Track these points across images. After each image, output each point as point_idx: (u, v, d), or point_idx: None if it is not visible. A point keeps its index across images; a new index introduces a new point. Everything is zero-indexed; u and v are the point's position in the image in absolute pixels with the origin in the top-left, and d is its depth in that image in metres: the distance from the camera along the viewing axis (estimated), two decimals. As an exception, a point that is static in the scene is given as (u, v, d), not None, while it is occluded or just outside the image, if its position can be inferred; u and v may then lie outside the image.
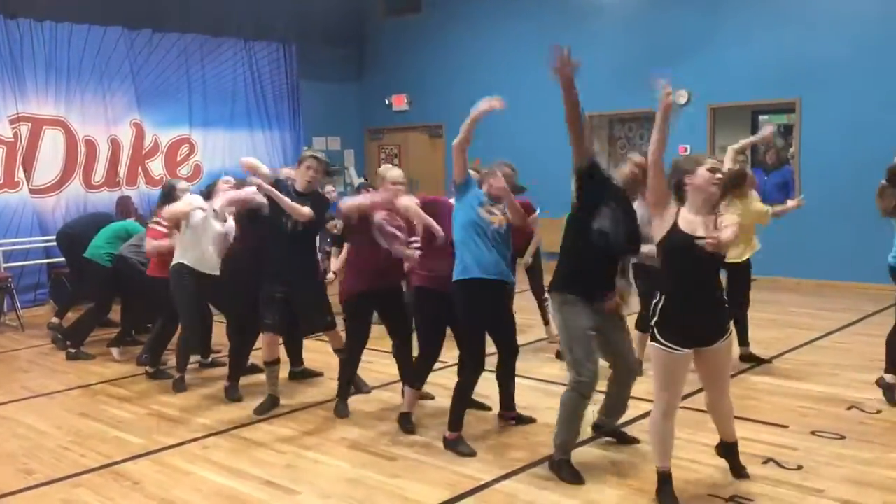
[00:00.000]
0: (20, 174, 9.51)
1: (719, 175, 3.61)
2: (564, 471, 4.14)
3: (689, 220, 3.63)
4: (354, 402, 5.53)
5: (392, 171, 5.20)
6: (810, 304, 8.46)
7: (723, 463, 4.26)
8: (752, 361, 6.19)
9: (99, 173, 10.29)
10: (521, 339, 6.91)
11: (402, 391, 5.14)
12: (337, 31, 13.07)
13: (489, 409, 5.20)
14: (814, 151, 9.49)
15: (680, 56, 10.26)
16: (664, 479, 3.79)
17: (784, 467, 4.20)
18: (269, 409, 5.35)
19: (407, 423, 4.93)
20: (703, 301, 3.68)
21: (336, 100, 13.38)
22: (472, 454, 4.48)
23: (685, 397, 5.35)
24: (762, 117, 11.73)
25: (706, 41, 10.11)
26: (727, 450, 4.10)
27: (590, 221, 4.04)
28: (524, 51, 11.70)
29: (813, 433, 4.70)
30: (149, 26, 10.73)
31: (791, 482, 4.02)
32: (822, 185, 9.38)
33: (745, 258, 6.01)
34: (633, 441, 4.63)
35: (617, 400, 4.48)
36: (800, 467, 4.19)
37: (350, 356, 5.34)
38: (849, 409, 5.14)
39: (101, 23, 10.20)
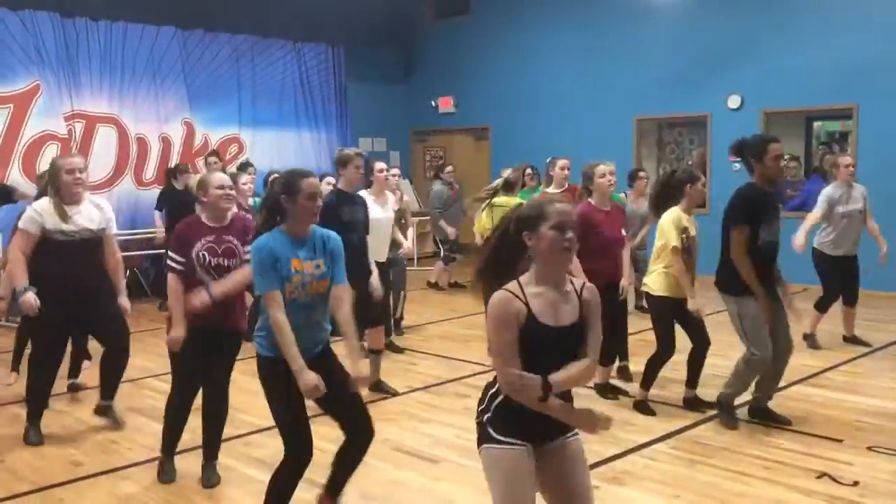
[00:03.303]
0: (74, 171, 9.70)
1: (570, 235, 2.57)
2: (724, 413, 4.88)
3: (541, 298, 2.58)
4: (396, 402, 5.52)
5: (216, 176, 4.24)
6: (865, 316, 8.20)
7: (775, 475, 4.15)
8: (696, 408, 5.26)
9: (150, 171, 10.46)
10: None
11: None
12: (385, 33, 13.12)
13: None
14: (871, 159, 9.22)
15: (733, 60, 10.08)
16: None
17: (840, 483, 4.06)
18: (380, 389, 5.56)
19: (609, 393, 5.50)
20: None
21: (383, 101, 13.42)
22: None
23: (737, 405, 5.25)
24: (816, 123, 11.47)
25: (760, 45, 9.91)
26: None
27: (757, 234, 4.60)
28: (572, 54, 11.61)
29: (870, 448, 4.54)
30: (201, 27, 10.89)
31: (847, 498, 3.89)
32: (878, 194, 9.10)
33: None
34: (786, 421, 4.92)
35: (774, 374, 4.92)
36: (856, 483, 4.06)
37: (179, 406, 4.40)
38: (907, 424, 4.98)
39: (155, 23, 10.39)
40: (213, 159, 9.28)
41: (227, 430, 4.98)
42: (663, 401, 5.35)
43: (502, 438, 2.60)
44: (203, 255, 4.04)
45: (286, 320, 3.25)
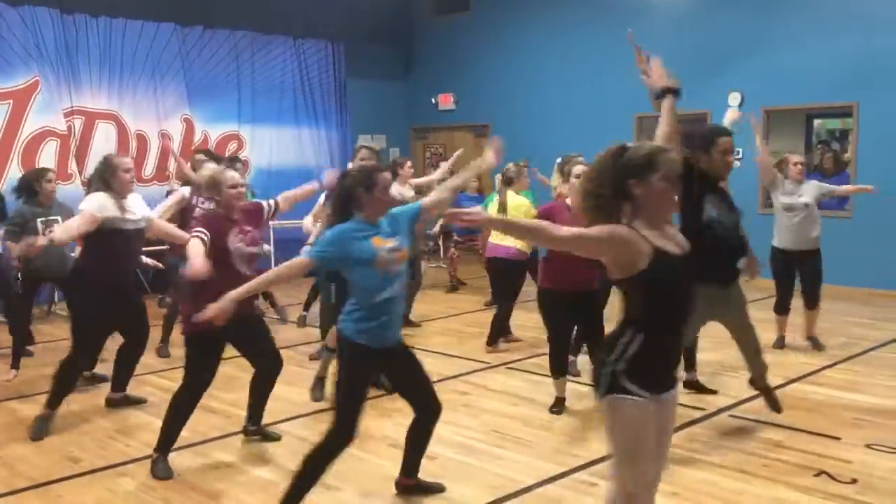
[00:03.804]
0: (73, 167, 9.70)
1: (677, 185, 2.72)
2: None
3: (656, 236, 2.67)
4: (395, 399, 5.50)
5: (227, 175, 4.44)
6: (864, 314, 8.23)
7: (773, 473, 4.16)
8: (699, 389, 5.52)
9: (149, 167, 10.46)
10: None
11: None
12: (385, 30, 13.10)
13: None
14: (871, 157, 9.22)
15: (733, 58, 10.07)
16: None
17: (837, 480, 4.06)
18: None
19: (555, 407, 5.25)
20: (681, 333, 2.85)
21: (383, 98, 13.40)
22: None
23: (732, 406, 5.25)
24: (817, 121, 11.47)
25: (760, 42, 9.90)
26: None
27: (698, 214, 4.27)
28: (572, 51, 11.60)
29: (868, 446, 4.55)
30: (200, 23, 10.87)
31: (845, 496, 3.90)
32: (878, 192, 9.12)
33: None
34: (778, 408, 4.87)
35: (750, 360, 4.81)
36: (854, 481, 4.06)
37: (188, 401, 4.43)
38: (905, 422, 4.98)
39: (155, 19, 10.37)
40: (200, 156, 9.19)
41: (228, 428, 5.01)
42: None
43: (634, 389, 2.64)
44: (240, 246, 4.34)
45: (276, 279, 3.69)
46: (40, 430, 4.92)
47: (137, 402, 5.49)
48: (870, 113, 9.20)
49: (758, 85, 9.94)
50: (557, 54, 11.78)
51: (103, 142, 9.98)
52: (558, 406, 5.22)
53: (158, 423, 5.07)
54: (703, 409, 5.17)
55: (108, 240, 4.95)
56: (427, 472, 4.26)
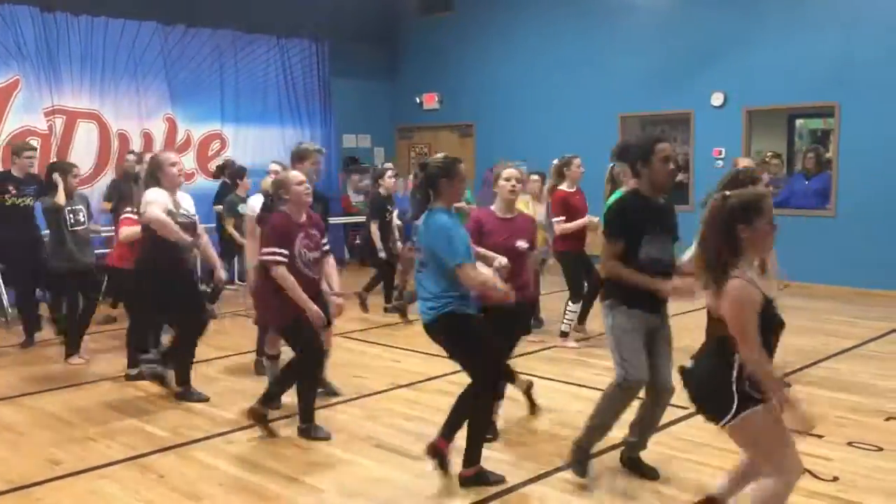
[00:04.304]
0: (54, 166, 9.62)
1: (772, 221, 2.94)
2: (575, 461, 4.06)
3: (758, 280, 2.91)
4: (380, 399, 5.51)
5: (293, 174, 4.71)
6: (846, 312, 8.29)
7: (756, 472, 4.17)
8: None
9: (131, 167, 10.37)
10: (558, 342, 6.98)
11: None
12: (369, 29, 13.09)
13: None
14: (852, 157, 9.29)
15: (715, 58, 10.13)
16: None
17: (819, 478, 4.09)
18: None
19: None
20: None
21: (367, 98, 13.38)
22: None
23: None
24: (799, 121, 11.54)
25: (742, 42, 9.96)
26: None
27: (636, 248, 3.83)
28: (556, 51, 11.62)
29: (849, 444, 4.58)
30: (183, 22, 10.82)
31: (827, 494, 3.92)
32: (860, 192, 9.20)
33: None
34: (655, 476, 4.13)
35: (651, 418, 4.15)
36: (836, 479, 4.09)
37: (309, 371, 4.83)
38: (887, 419, 5.02)
39: (136, 17, 10.31)
40: (131, 156, 9.22)
41: (208, 428, 4.98)
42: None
43: (758, 396, 2.90)
44: (303, 251, 4.58)
45: (486, 287, 3.94)
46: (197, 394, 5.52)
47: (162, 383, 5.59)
48: (851, 113, 9.27)
49: (740, 85, 9.99)
50: (541, 54, 11.80)
51: (85, 141, 9.91)
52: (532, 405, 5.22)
53: (140, 425, 5.07)
54: (685, 408, 5.17)
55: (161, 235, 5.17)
56: (411, 471, 4.26)
